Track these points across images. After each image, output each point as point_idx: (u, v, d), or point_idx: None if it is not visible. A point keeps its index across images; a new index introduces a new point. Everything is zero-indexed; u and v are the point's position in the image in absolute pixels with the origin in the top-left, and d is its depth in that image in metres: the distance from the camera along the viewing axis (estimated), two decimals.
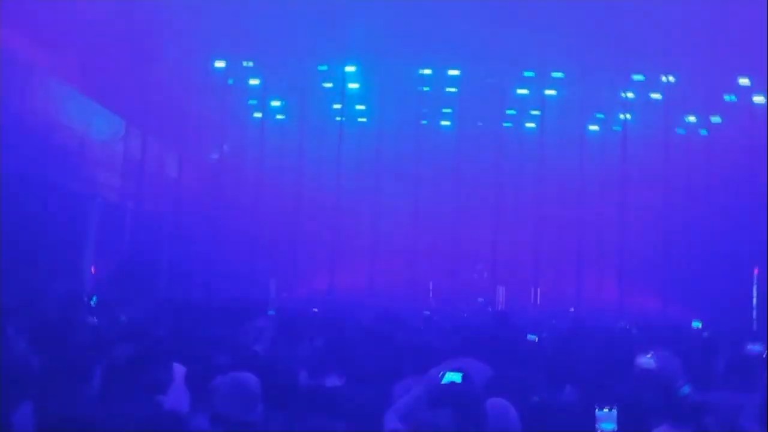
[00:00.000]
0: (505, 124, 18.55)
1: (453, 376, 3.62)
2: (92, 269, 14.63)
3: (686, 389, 3.98)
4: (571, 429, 3.42)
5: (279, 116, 19.00)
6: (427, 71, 17.72)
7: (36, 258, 11.49)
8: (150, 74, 14.85)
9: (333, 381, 4.55)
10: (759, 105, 17.36)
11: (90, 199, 14.27)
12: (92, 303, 9.03)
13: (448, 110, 18.61)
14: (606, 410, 3.10)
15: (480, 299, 15.23)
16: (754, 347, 4.62)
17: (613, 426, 3.12)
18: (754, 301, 17.77)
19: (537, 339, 8.55)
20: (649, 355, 4.45)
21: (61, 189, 12.81)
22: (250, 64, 17.93)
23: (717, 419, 3.57)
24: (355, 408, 3.91)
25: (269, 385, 3.84)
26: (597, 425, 3.11)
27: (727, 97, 17.68)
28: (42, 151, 11.95)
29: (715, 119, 18.29)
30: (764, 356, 4.28)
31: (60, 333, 5.00)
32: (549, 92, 17.78)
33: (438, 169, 17.80)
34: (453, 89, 17.94)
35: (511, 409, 3.57)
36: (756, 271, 17.83)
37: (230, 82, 17.96)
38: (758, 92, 17.38)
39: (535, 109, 18.22)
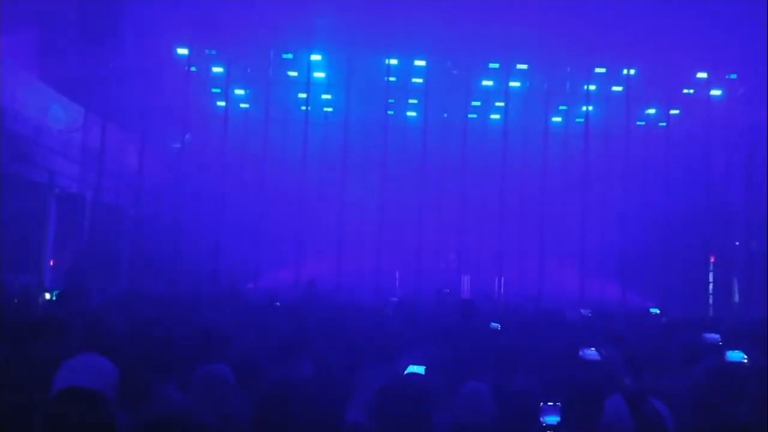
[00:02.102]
0: (470, 116, 18.66)
1: (416, 369, 3.64)
2: (51, 262, 14.29)
3: (627, 380, 4.06)
4: (518, 418, 3.45)
5: (243, 105, 18.76)
6: (394, 61, 17.71)
7: None
8: (110, 60, 14.50)
9: (297, 371, 4.55)
10: (716, 98, 17.81)
11: (47, 189, 13.91)
12: (52, 297, 8.82)
13: (414, 101, 18.63)
14: (551, 403, 3.12)
15: (446, 290, 15.32)
16: (710, 335, 4.73)
17: (557, 419, 3.13)
18: (710, 288, 18.33)
19: (499, 327, 8.67)
20: (592, 348, 4.51)
21: (17, 178, 12.45)
22: (213, 52, 17.65)
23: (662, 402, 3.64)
24: (318, 398, 3.91)
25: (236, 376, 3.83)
26: (542, 418, 3.12)
27: (685, 91, 18.09)
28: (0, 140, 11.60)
29: (674, 112, 18.71)
30: (719, 344, 4.40)
31: (16, 329, 4.83)
32: (513, 84, 17.94)
33: (404, 160, 17.82)
34: (419, 80, 17.96)
35: (486, 394, 3.59)
36: (712, 259, 18.37)
37: (193, 69, 17.63)
38: (715, 86, 17.82)
39: (499, 101, 18.37)
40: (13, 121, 12.39)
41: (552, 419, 3.16)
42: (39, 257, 13.78)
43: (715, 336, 4.55)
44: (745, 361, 4.16)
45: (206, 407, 3.57)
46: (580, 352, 4.32)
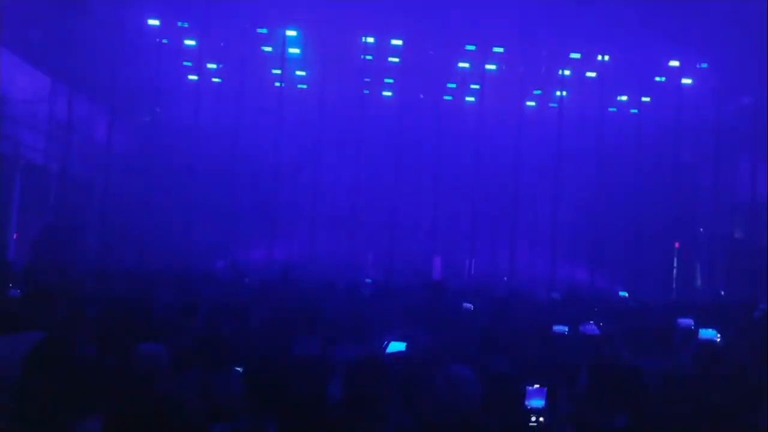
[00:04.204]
0: (445, 97, 18.61)
1: (397, 345, 3.63)
2: (14, 235, 13.96)
3: (625, 355, 4.11)
4: (498, 397, 3.44)
5: (215, 79, 18.40)
6: (370, 39, 17.52)
7: None
8: (79, 29, 14.06)
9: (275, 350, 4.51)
10: (686, 86, 18.06)
11: (12, 160, 13.53)
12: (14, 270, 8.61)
13: (390, 80, 18.50)
14: (537, 386, 3.11)
15: (413, 275, 15.36)
16: (684, 320, 4.81)
17: (541, 403, 3.12)
18: (674, 272, 18.77)
19: (472, 308, 8.75)
20: (591, 323, 4.55)
21: None
22: (186, 24, 17.23)
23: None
24: (298, 377, 3.89)
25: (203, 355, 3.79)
26: (526, 402, 3.11)
27: (657, 78, 18.29)
28: None
29: (645, 99, 18.93)
30: (692, 328, 4.48)
31: None
32: (489, 67, 17.91)
33: (379, 140, 17.73)
34: (395, 59, 17.82)
35: (472, 377, 3.54)
36: (677, 245, 18.78)
37: (164, 41, 17.20)
38: (686, 75, 18.06)
39: (475, 84, 18.35)
40: None
41: (537, 402, 3.16)
42: (3, 230, 13.45)
43: (689, 321, 4.64)
44: (718, 339, 4.26)
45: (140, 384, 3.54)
46: (581, 327, 4.37)
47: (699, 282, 18.65)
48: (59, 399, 2.11)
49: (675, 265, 18.87)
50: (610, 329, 4.39)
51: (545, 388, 3.15)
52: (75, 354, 3.04)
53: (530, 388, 3.15)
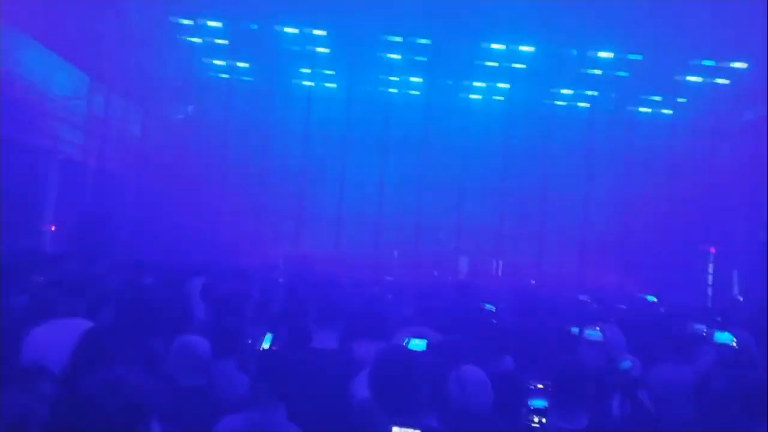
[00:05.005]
0: (473, 96, 18.56)
1: (418, 344, 3.64)
2: (51, 227, 14.36)
3: (627, 364, 4.08)
4: (506, 400, 3.43)
5: (246, 78, 18.67)
6: (398, 38, 17.57)
7: None
8: (115, 29, 14.43)
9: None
10: (722, 86, 17.68)
11: (50, 155, 13.92)
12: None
13: (418, 79, 18.52)
14: (539, 386, 3.11)
15: (435, 273, 15.35)
16: (699, 326, 4.75)
17: (543, 403, 3.12)
18: (710, 278, 18.36)
19: (494, 309, 8.73)
20: (596, 328, 4.53)
21: (20, 143, 12.46)
22: (218, 24, 17.53)
23: (652, 393, 3.68)
24: (316, 373, 3.93)
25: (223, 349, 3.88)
26: (528, 401, 3.11)
27: (691, 78, 17.94)
28: (0, 104, 11.58)
29: (680, 99, 18.58)
30: (704, 334, 4.42)
31: (15, 291, 4.88)
32: (517, 66, 17.79)
33: (406, 139, 17.77)
34: (423, 58, 17.83)
35: (484, 379, 3.57)
36: (713, 250, 18.37)
37: (197, 41, 17.53)
38: (722, 75, 17.69)
39: (503, 82, 18.25)
40: (17, 87, 12.38)
41: (539, 403, 3.16)
42: (39, 222, 13.85)
43: (702, 326, 4.58)
44: (734, 343, 4.20)
45: (182, 377, 3.61)
46: (583, 333, 4.34)
47: (736, 289, 18.19)
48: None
49: (710, 271, 18.46)
50: (615, 336, 4.36)
51: (548, 388, 3.16)
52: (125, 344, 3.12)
53: (533, 387, 3.16)
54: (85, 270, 6.45)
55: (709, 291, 18.14)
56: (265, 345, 3.96)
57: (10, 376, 2.68)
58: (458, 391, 3.46)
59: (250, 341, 4.46)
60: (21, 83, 12.57)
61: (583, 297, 11.76)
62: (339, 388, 3.69)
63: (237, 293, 5.98)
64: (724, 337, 4.15)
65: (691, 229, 17.69)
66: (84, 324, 3.42)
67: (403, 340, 3.94)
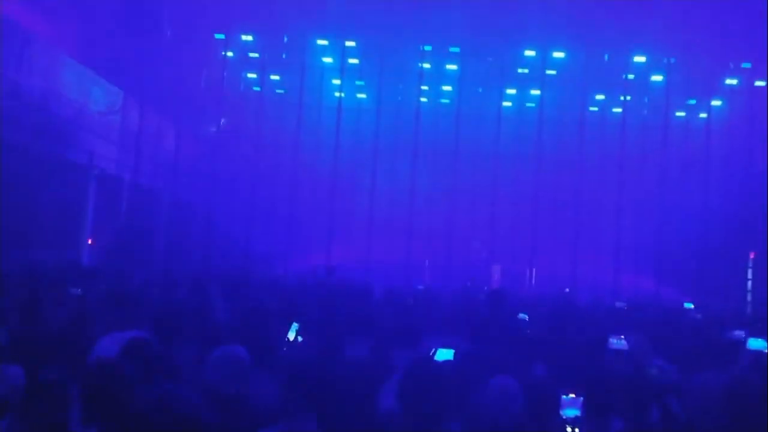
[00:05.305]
0: (504, 103, 18.45)
1: (445, 354, 3.62)
2: (89, 240, 14.67)
3: (654, 370, 4.00)
4: (539, 411, 3.39)
5: (278, 90, 18.90)
6: (427, 47, 17.58)
7: (32, 228, 11.51)
8: (149, 45, 14.74)
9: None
10: (760, 88, 17.25)
11: (87, 170, 14.25)
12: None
13: (448, 88, 18.50)
14: (572, 396, 3.06)
15: (468, 282, 15.22)
16: (736, 332, 4.63)
17: (576, 412, 3.07)
18: (749, 284, 17.86)
19: (527, 318, 8.62)
20: (621, 337, 4.46)
21: (58, 159, 12.79)
22: (250, 38, 17.79)
23: (689, 401, 3.58)
24: (348, 382, 3.92)
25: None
26: (561, 411, 3.07)
27: (728, 81, 17.56)
28: (39, 120, 11.92)
29: (716, 102, 18.19)
30: (742, 340, 4.30)
31: (51, 304, 4.97)
32: (549, 72, 17.63)
33: (437, 147, 17.75)
34: (453, 66, 17.81)
35: (515, 390, 3.50)
36: (752, 255, 17.87)
37: (229, 55, 17.83)
38: (759, 77, 17.26)
39: (535, 89, 18.10)
40: (55, 103, 12.72)
41: (571, 412, 3.11)
42: (77, 235, 14.16)
43: (740, 333, 4.46)
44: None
45: (222, 387, 3.61)
46: (608, 342, 4.27)
47: None
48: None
49: (750, 277, 17.96)
50: (641, 344, 4.26)
51: (581, 398, 3.10)
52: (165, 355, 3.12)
53: (565, 397, 3.10)
54: (122, 284, 6.58)
55: (749, 297, 17.65)
56: (290, 335, 3.94)
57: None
58: (489, 400, 3.42)
59: (283, 350, 4.48)
60: (60, 100, 12.92)
61: (619, 304, 11.57)
62: (370, 398, 3.67)
63: (269, 303, 6.03)
64: (758, 344, 4.04)
65: (729, 234, 17.25)
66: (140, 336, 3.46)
67: (431, 351, 3.92)
